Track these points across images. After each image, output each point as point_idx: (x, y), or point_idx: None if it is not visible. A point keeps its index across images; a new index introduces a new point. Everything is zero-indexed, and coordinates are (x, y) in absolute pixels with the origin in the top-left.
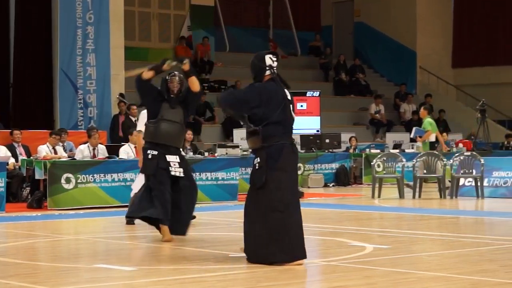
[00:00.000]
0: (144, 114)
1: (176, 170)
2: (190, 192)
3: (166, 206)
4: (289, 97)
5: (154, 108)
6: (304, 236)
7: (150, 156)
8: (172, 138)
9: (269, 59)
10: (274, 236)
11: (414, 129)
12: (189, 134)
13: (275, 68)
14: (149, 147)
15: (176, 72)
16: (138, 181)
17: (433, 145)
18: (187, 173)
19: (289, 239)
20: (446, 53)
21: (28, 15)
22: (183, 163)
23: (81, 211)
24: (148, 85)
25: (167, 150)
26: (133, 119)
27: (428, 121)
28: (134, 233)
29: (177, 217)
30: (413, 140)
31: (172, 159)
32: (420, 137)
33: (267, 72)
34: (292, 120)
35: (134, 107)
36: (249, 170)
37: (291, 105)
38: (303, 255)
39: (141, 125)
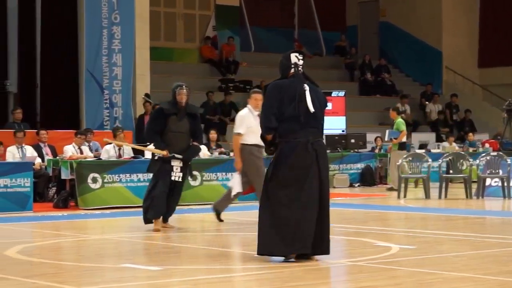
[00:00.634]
0: (240, 116)
1: (176, 175)
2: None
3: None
4: (308, 93)
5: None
6: (328, 236)
7: (156, 158)
8: (177, 148)
9: (294, 57)
10: (276, 229)
11: (387, 131)
12: (213, 134)
13: (300, 66)
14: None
15: (183, 85)
16: (236, 180)
17: (403, 145)
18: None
19: (291, 233)
20: (472, 53)
21: (54, 15)
22: (184, 168)
23: (107, 211)
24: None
25: (173, 156)
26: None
27: (401, 121)
28: (160, 234)
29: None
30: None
31: (176, 164)
32: (396, 138)
33: (292, 70)
34: (312, 115)
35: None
36: None
37: (309, 100)
38: (304, 249)
39: (239, 128)
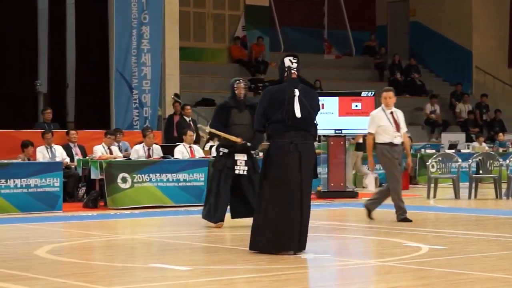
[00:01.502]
0: (372, 116)
1: (241, 169)
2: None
3: (221, 206)
4: (296, 98)
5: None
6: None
7: (221, 154)
8: (257, 145)
9: (288, 61)
10: (264, 227)
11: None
12: None
13: (294, 69)
14: (223, 145)
15: (240, 79)
16: (370, 180)
17: (360, 146)
18: (251, 170)
19: (278, 232)
20: (502, 53)
21: (85, 15)
22: (249, 161)
23: (136, 211)
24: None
25: (236, 149)
26: (187, 119)
27: None
28: (189, 233)
29: (244, 204)
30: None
31: (240, 157)
32: (353, 138)
33: (286, 74)
34: (300, 119)
35: (188, 107)
36: None
37: (297, 105)
38: (291, 248)
39: (369, 127)
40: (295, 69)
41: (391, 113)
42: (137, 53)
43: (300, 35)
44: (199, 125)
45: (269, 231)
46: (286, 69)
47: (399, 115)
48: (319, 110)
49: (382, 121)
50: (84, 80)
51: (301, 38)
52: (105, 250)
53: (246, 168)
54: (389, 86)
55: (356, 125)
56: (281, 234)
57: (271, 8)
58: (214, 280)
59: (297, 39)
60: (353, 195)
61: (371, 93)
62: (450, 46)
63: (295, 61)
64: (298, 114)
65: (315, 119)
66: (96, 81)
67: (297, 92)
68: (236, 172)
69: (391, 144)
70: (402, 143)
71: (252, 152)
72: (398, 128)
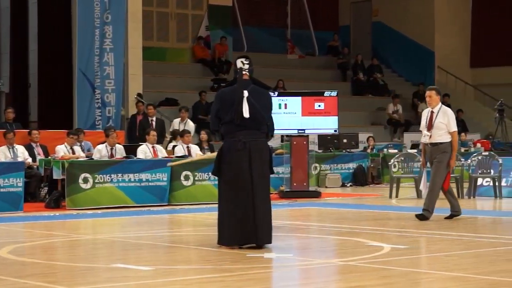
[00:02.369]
0: (453, 114)
1: None
2: None
3: None
4: (245, 99)
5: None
6: (269, 226)
7: None
8: None
9: (240, 63)
10: (222, 222)
11: None
12: (204, 134)
13: (245, 70)
14: None
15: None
16: (424, 182)
17: (213, 146)
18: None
19: (227, 228)
20: (464, 53)
21: (47, 15)
22: None
23: (99, 211)
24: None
25: None
26: (150, 119)
27: None
28: (152, 233)
29: None
30: None
31: None
32: None
33: (237, 75)
34: (249, 119)
35: (151, 107)
36: None
37: (245, 106)
38: (236, 242)
39: (454, 125)
40: (246, 70)
41: (431, 112)
42: (100, 52)
43: (263, 35)
44: (168, 164)
45: (226, 226)
46: (238, 70)
47: (441, 114)
48: (270, 109)
49: (422, 120)
50: (46, 79)
51: (264, 38)
52: (67, 251)
53: None
54: (352, 86)
55: (319, 125)
56: (235, 229)
57: (235, 8)
58: (176, 280)
59: (260, 39)
60: (316, 194)
61: (334, 93)
62: (413, 46)
63: (247, 62)
64: (246, 114)
65: (266, 118)
66: (58, 80)
67: (246, 93)
68: None
69: (425, 144)
70: (439, 143)
71: None
72: (429, 127)
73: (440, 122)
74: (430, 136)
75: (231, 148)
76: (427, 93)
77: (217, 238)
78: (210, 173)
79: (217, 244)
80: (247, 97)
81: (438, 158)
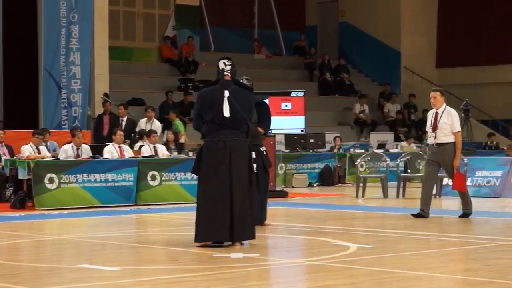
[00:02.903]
0: (457, 115)
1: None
2: (262, 185)
3: None
4: (225, 99)
5: None
6: (251, 223)
7: None
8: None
9: (222, 64)
10: (196, 220)
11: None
12: (170, 134)
13: (227, 71)
14: None
15: (244, 77)
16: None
17: (180, 146)
18: (261, 168)
19: (206, 226)
20: (430, 54)
21: (13, 14)
22: (258, 158)
23: (65, 211)
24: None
25: None
26: (122, 119)
27: (179, 123)
28: (118, 234)
29: None
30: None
31: None
32: None
33: (219, 76)
34: (229, 118)
35: (121, 107)
36: None
37: (226, 106)
38: (217, 237)
39: (458, 126)
40: (228, 72)
41: (436, 113)
42: (66, 52)
43: (230, 35)
44: None
45: (203, 224)
46: (220, 71)
47: (446, 115)
48: (251, 109)
49: (428, 121)
50: (12, 79)
51: (231, 38)
52: (32, 251)
53: (255, 165)
54: (319, 86)
55: (286, 125)
56: (209, 227)
57: (202, 8)
58: (143, 280)
59: (228, 39)
60: (283, 194)
61: (301, 93)
62: (379, 46)
63: (229, 63)
64: (226, 114)
65: (246, 118)
66: (24, 80)
67: (226, 93)
68: None
69: (430, 145)
70: (444, 143)
71: (262, 149)
72: (434, 128)
73: (445, 123)
74: (435, 137)
75: (211, 147)
76: (432, 94)
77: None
78: (176, 173)
79: (194, 242)
80: (228, 97)
81: (437, 158)
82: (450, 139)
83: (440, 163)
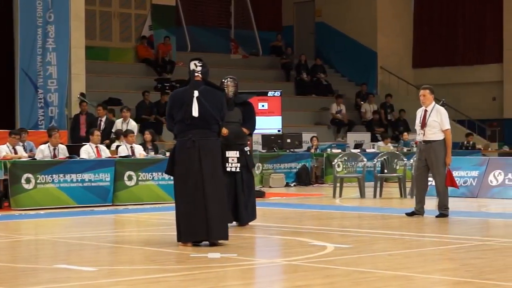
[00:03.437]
0: (446, 113)
1: (233, 166)
2: (246, 185)
3: None
4: (194, 99)
5: None
6: (223, 223)
7: None
8: (232, 137)
9: (193, 65)
10: (176, 220)
11: None
12: (147, 134)
13: (198, 72)
14: None
15: (228, 77)
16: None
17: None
18: (245, 168)
19: (184, 225)
20: (407, 54)
21: None
22: (242, 158)
23: (42, 212)
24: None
25: (229, 147)
26: (99, 119)
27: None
28: (95, 234)
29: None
30: (375, 139)
31: (231, 154)
32: None
33: (190, 76)
34: (198, 118)
35: (100, 107)
36: None
37: (195, 106)
38: (188, 239)
39: (447, 123)
40: (199, 72)
41: (425, 111)
42: (43, 52)
43: (207, 35)
44: None
45: (181, 223)
46: (191, 72)
47: (435, 112)
48: (221, 108)
49: (417, 119)
50: None
51: (208, 38)
52: (8, 251)
53: (238, 165)
54: (296, 86)
55: (263, 125)
56: (189, 227)
57: (178, 7)
58: (120, 280)
59: (204, 38)
60: (260, 194)
61: (278, 93)
62: (355, 46)
63: (200, 64)
64: (195, 113)
65: (217, 118)
66: (1, 80)
67: (196, 93)
68: (228, 169)
69: (419, 142)
70: (432, 140)
71: (246, 149)
72: (422, 125)
73: (434, 121)
74: (424, 134)
75: (181, 147)
76: (421, 92)
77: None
78: (153, 173)
79: (177, 241)
80: (197, 97)
81: (425, 155)
82: (438, 136)
83: (427, 161)
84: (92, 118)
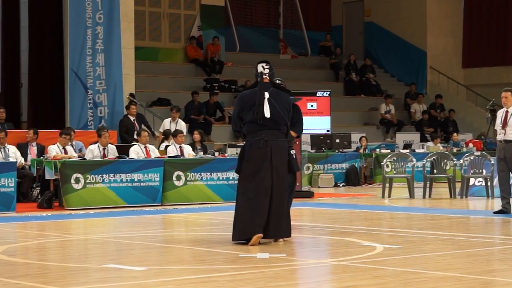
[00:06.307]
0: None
1: None
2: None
3: None
4: (266, 100)
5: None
6: (287, 221)
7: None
8: None
9: (260, 67)
10: (236, 218)
11: None
12: (196, 134)
13: (266, 74)
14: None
15: (277, 79)
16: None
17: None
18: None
19: (243, 222)
20: (456, 53)
21: (39, 15)
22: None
23: (91, 211)
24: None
25: None
26: (132, 118)
27: None
28: (144, 234)
29: None
30: (424, 139)
31: None
32: None
33: (258, 79)
34: (269, 119)
35: (133, 106)
36: None
37: (266, 107)
38: (252, 233)
39: None
40: (266, 74)
41: (506, 111)
42: (92, 53)
43: (255, 35)
44: None
45: (238, 222)
46: (259, 74)
47: None
48: (290, 110)
49: (497, 119)
50: (38, 79)
51: (256, 38)
52: (59, 251)
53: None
54: (345, 86)
55: (311, 125)
56: (246, 225)
57: (227, 8)
58: (169, 280)
59: (253, 39)
60: (309, 194)
61: (327, 93)
62: (405, 46)
63: (267, 67)
64: (267, 114)
65: (286, 119)
66: (50, 81)
67: (266, 94)
68: None
69: (499, 141)
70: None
71: (292, 152)
72: (503, 125)
73: None
74: (504, 133)
75: (252, 146)
76: (503, 94)
77: (232, 235)
78: (201, 174)
79: (231, 241)
80: (268, 98)
81: (507, 155)
82: None
83: (506, 159)
84: (141, 118)
